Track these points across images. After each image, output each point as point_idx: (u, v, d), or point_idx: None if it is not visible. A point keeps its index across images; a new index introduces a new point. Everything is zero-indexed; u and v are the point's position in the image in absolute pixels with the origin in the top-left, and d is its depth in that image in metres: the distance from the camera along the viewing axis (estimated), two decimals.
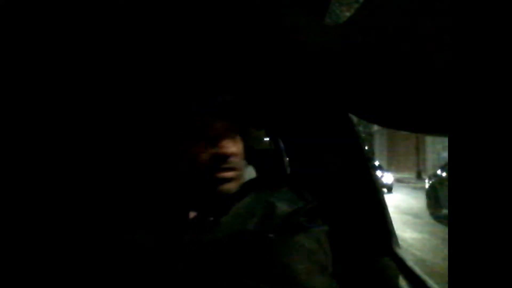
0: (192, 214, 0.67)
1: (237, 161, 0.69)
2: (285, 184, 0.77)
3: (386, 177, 13.51)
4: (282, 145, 1.24)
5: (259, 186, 0.75)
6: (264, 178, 0.78)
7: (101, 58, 0.73)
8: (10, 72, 0.72)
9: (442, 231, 5.46)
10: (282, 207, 0.68)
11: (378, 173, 12.96)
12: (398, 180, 15.67)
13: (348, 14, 0.49)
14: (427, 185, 7.60)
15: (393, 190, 13.36)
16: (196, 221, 0.67)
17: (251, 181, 0.75)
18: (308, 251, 0.66)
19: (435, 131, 0.60)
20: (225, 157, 0.67)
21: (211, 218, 0.66)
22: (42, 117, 0.80)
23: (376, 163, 16.86)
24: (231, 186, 0.69)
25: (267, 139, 1.37)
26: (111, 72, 0.78)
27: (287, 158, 1.23)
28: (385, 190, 12.93)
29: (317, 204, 0.72)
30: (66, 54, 0.71)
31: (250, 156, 0.79)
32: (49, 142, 0.80)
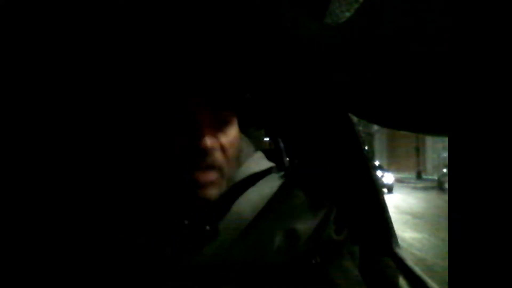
0: (186, 222, 0.57)
1: (220, 157, 0.56)
2: (292, 181, 0.67)
3: (387, 177, 13.37)
4: (282, 145, 1.24)
5: (260, 180, 0.63)
6: (265, 172, 0.66)
7: (99, 58, 0.73)
8: (9, 72, 0.72)
9: (442, 231, 5.47)
10: (303, 227, 0.59)
11: (379, 173, 12.84)
12: (398, 180, 15.72)
13: (348, 14, 0.49)
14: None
15: (393, 190, 13.28)
16: (190, 230, 0.56)
17: (251, 178, 0.63)
18: (358, 281, 0.60)
19: (435, 131, 0.60)
20: (204, 151, 0.54)
21: (208, 227, 0.56)
22: (37, 117, 0.80)
23: (376, 163, 16.71)
24: (212, 193, 0.56)
25: (267, 139, 1.37)
26: (108, 71, 0.78)
27: (287, 158, 1.23)
28: (385, 190, 12.82)
29: (335, 208, 0.65)
30: (64, 53, 0.71)
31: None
32: (44, 142, 0.80)
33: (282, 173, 0.68)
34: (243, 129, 0.68)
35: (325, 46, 0.62)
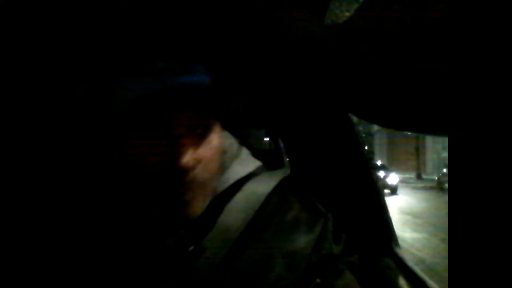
0: (169, 242, 0.52)
1: (202, 172, 0.50)
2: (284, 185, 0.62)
3: (391, 178, 12.45)
4: (282, 145, 1.24)
5: (248, 183, 0.58)
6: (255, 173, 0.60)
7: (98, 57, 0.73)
8: (9, 72, 0.72)
9: (442, 231, 5.47)
10: (302, 245, 0.54)
11: (381, 173, 12.13)
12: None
13: (348, 14, 0.49)
14: None
15: (397, 191, 12.47)
16: (174, 250, 0.51)
17: (233, 186, 0.57)
18: None
19: (435, 131, 0.60)
20: (183, 169, 0.48)
21: (191, 247, 0.51)
22: (40, 117, 0.80)
23: (379, 162, 16.13)
24: (195, 210, 0.51)
25: (267, 139, 1.37)
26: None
27: (287, 158, 1.23)
28: (388, 191, 11.95)
29: (331, 214, 0.61)
30: (65, 54, 0.71)
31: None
32: (49, 141, 0.80)
33: (271, 173, 0.62)
34: (242, 130, 0.66)
35: (324, 46, 0.62)
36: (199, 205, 0.51)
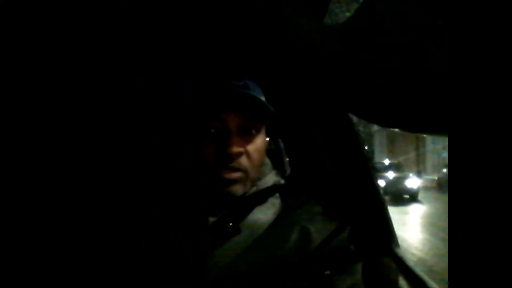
0: (211, 220, 0.64)
1: (245, 162, 0.65)
2: (307, 194, 0.73)
3: (410, 181, 9.95)
4: (282, 145, 1.24)
5: (278, 192, 0.71)
6: (284, 185, 0.74)
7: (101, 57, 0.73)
8: (9, 72, 0.72)
9: (442, 231, 5.47)
10: (317, 231, 0.64)
11: (390, 174, 10.20)
12: None
13: (348, 14, 0.49)
14: None
15: (418, 196, 10.03)
16: (215, 227, 0.63)
17: (271, 188, 0.71)
18: None
19: (435, 131, 0.60)
20: (231, 156, 0.62)
21: (230, 224, 0.63)
22: (43, 116, 0.79)
23: (386, 161, 13.59)
24: (237, 188, 0.64)
25: (267, 139, 1.37)
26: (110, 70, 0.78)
27: (287, 158, 1.23)
28: (407, 196, 9.69)
29: (346, 221, 0.69)
30: (65, 53, 0.71)
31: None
32: (50, 142, 0.80)
33: (294, 184, 0.75)
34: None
35: (324, 47, 0.62)
36: (241, 184, 0.64)
